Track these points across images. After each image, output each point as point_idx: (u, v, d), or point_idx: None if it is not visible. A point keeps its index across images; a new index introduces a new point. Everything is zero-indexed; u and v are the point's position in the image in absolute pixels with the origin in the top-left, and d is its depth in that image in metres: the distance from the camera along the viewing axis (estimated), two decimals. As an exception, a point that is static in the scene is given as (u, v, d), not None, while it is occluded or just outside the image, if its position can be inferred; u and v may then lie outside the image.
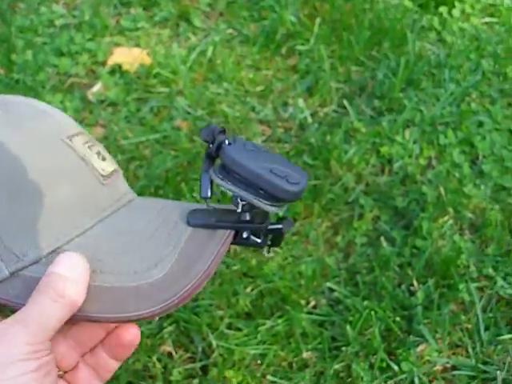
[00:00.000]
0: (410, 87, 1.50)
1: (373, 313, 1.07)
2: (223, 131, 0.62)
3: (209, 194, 0.65)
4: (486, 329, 1.11)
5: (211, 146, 0.62)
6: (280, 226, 0.67)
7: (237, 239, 0.66)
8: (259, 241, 0.67)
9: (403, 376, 1.04)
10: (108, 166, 0.69)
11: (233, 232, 0.65)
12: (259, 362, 1.05)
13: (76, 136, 0.68)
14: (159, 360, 1.05)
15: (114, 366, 0.64)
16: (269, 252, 0.70)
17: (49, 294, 0.54)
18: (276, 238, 0.70)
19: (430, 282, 1.13)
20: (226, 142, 0.61)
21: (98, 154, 0.69)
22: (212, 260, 0.62)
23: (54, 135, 0.67)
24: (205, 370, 1.05)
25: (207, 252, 0.63)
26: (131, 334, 0.62)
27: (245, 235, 0.66)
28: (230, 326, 1.09)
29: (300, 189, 0.60)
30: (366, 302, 1.09)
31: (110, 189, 0.69)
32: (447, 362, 1.07)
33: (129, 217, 0.68)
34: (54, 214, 0.62)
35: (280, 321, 1.08)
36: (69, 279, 0.54)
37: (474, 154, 1.39)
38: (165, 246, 0.62)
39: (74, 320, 0.56)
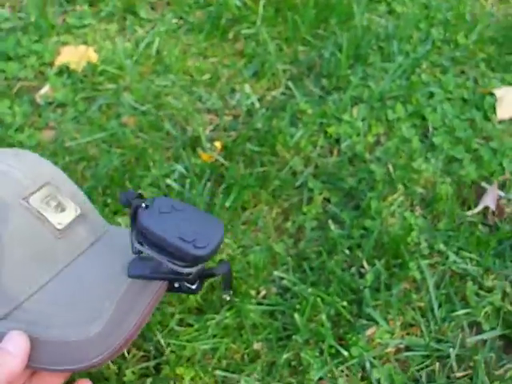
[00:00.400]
0: (358, 63, 1.48)
1: (319, 299, 1.05)
2: (139, 195, 0.67)
3: (137, 250, 0.69)
4: (440, 306, 1.10)
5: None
6: (213, 272, 0.73)
7: (171, 288, 0.73)
8: (194, 287, 0.72)
9: (354, 361, 1.02)
10: (66, 216, 0.77)
11: (166, 282, 0.72)
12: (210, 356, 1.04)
13: (34, 194, 0.77)
14: (113, 361, 1.04)
15: None
16: (228, 296, 0.77)
17: None
18: (225, 282, 0.75)
19: (379, 263, 1.12)
20: (143, 205, 0.65)
21: (57, 206, 0.77)
22: (143, 311, 0.71)
23: (9, 199, 0.74)
24: (158, 368, 1.04)
25: (139, 304, 0.71)
26: None
27: (176, 285, 0.73)
28: (181, 323, 1.08)
29: (207, 252, 0.64)
30: (311, 289, 1.07)
31: (67, 240, 0.76)
32: (400, 343, 1.06)
33: (84, 265, 0.75)
34: (14, 275, 0.71)
35: (229, 313, 1.07)
36: (11, 354, 0.67)
37: (424, 127, 1.37)
38: (105, 299, 0.69)
39: (30, 368, 0.70)
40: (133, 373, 1.02)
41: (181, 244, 0.63)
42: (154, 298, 0.72)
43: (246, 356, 1.04)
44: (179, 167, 1.29)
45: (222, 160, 1.30)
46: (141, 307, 0.71)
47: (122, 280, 0.71)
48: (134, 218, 0.66)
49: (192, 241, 0.63)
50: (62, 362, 0.69)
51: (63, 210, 0.78)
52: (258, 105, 1.41)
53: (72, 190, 0.83)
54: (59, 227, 0.76)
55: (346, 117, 1.36)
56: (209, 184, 1.25)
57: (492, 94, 1.44)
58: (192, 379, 1.01)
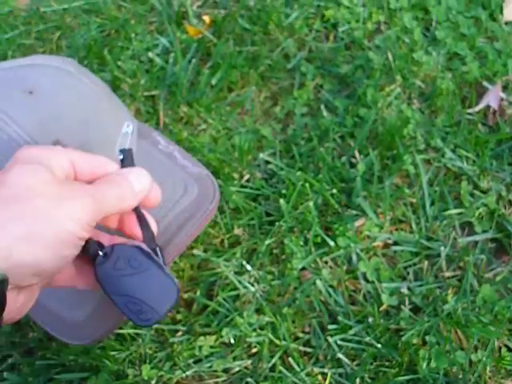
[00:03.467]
0: None
1: (308, 185, 0.98)
2: (100, 245, 0.64)
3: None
4: (432, 203, 1.04)
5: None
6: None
7: None
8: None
9: (340, 252, 0.97)
10: None
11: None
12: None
13: None
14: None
15: None
16: None
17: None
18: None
19: (372, 153, 1.05)
20: (101, 253, 0.63)
21: None
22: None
23: None
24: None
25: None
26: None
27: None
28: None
29: (150, 324, 0.64)
30: (299, 173, 1.00)
31: None
32: (389, 238, 1.00)
33: None
34: None
35: (209, 196, 0.99)
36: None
37: (427, 20, 1.28)
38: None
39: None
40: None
41: (127, 311, 0.64)
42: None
43: (225, 241, 0.98)
44: (163, 40, 1.19)
45: (209, 36, 1.20)
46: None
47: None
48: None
49: (137, 311, 0.64)
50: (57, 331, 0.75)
51: None
52: (250, -18, 1.31)
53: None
54: None
55: (345, 1, 1.26)
56: (194, 60, 1.16)
57: (500, -6, 1.35)
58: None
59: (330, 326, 0.90)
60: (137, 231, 0.64)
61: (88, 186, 0.57)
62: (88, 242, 0.61)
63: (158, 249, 0.67)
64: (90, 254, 0.64)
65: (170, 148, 0.85)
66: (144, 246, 0.66)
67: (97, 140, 0.70)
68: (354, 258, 0.97)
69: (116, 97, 0.83)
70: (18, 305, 0.53)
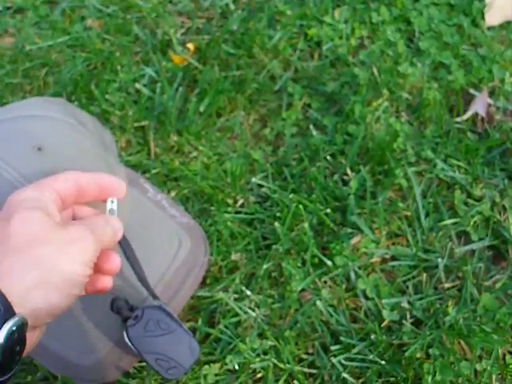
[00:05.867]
0: (340, -37, 1.38)
1: (302, 206, 0.99)
2: (131, 307, 0.75)
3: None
4: (427, 215, 1.04)
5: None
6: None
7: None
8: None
9: (338, 271, 0.97)
10: None
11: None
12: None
13: None
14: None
15: None
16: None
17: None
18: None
19: (364, 169, 1.05)
20: (131, 319, 0.74)
21: None
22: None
23: None
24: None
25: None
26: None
27: None
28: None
29: (177, 377, 0.75)
30: (292, 195, 1.01)
31: None
32: (386, 253, 1.00)
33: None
34: None
35: (204, 224, 1.00)
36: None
37: (410, 31, 1.29)
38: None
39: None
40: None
41: (157, 367, 0.73)
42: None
43: (223, 268, 0.98)
44: (149, 71, 1.20)
45: (195, 63, 1.21)
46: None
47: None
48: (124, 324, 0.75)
49: (166, 367, 0.73)
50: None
51: None
52: (232, 6, 1.31)
53: None
54: None
55: (327, 19, 1.27)
56: (181, 88, 1.17)
57: (481, 0, 1.36)
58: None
59: (333, 347, 0.91)
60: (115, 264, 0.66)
61: (86, 223, 0.60)
62: (116, 300, 0.73)
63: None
64: (121, 316, 0.74)
65: (159, 197, 0.87)
66: (165, 307, 0.76)
67: None
68: (353, 275, 0.97)
69: (109, 135, 0.85)
70: (33, 340, 0.56)
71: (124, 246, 0.71)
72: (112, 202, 0.68)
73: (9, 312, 0.51)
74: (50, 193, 0.60)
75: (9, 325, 0.50)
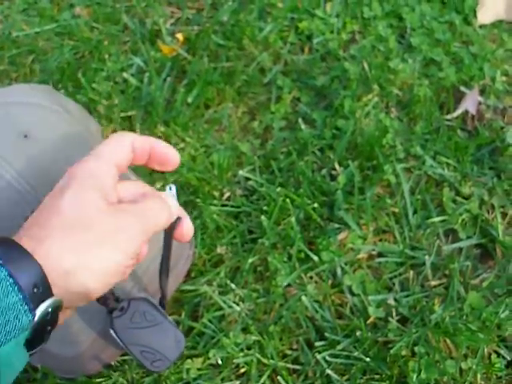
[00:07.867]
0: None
1: (289, 200, 0.97)
2: (117, 299, 0.73)
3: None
4: (415, 212, 1.03)
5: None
6: None
7: None
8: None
9: (324, 267, 0.96)
10: None
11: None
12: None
13: None
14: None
15: None
16: None
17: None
18: None
19: (352, 164, 1.04)
20: (117, 310, 0.72)
21: None
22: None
23: None
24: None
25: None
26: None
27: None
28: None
29: (162, 369, 0.75)
30: (280, 189, 0.99)
31: None
32: (373, 250, 0.99)
33: None
34: None
35: (190, 216, 0.98)
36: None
37: (402, 28, 1.28)
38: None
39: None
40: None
41: (142, 359, 0.72)
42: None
43: (208, 261, 0.97)
44: (137, 60, 1.19)
45: (184, 53, 1.19)
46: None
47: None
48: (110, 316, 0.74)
49: (151, 359, 0.73)
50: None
51: None
52: (223, -3, 1.30)
53: None
54: None
55: (319, 12, 1.26)
56: (169, 79, 1.15)
57: (473, -3, 1.35)
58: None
59: (318, 343, 0.89)
60: None
61: (138, 210, 0.59)
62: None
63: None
64: (106, 307, 0.72)
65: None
66: (151, 299, 0.75)
67: None
68: (339, 271, 0.96)
69: (95, 124, 0.84)
70: (61, 320, 0.56)
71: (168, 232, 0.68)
72: (170, 189, 0.67)
73: (47, 292, 0.51)
74: (109, 167, 0.59)
75: (45, 305, 0.51)
